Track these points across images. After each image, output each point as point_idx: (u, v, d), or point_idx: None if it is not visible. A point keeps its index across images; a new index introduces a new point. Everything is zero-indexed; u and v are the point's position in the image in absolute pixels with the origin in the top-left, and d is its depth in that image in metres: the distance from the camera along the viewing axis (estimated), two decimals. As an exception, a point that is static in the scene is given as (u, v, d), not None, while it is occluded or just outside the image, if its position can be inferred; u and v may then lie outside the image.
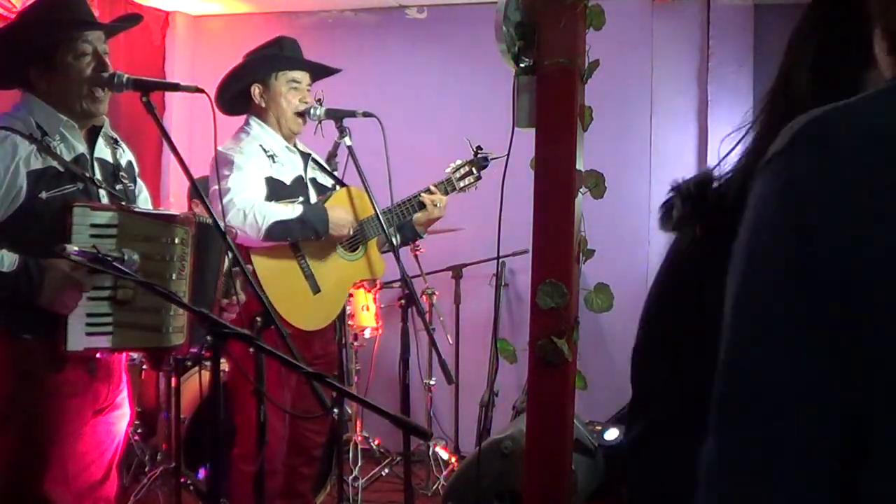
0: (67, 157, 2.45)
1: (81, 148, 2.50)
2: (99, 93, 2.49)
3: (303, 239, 3.27)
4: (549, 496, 2.45)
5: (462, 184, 3.60)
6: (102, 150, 2.58)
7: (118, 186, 2.58)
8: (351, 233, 3.37)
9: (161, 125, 2.46)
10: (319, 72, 3.52)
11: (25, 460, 2.41)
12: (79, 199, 2.41)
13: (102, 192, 2.51)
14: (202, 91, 2.45)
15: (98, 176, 2.51)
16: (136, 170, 2.74)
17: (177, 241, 2.46)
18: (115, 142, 2.67)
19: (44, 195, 2.38)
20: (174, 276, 2.45)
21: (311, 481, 3.67)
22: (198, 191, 2.50)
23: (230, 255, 2.54)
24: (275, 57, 3.42)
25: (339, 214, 3.33)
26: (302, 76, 3.42)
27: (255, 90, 3.39)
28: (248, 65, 3.43)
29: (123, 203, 2.54)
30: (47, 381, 2.41)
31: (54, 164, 2.42)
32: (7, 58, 2.49)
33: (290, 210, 3.24)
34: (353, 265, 3.47)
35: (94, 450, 2.56)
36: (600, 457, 4.13)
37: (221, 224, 2.42)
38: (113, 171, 2.59)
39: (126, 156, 2.69)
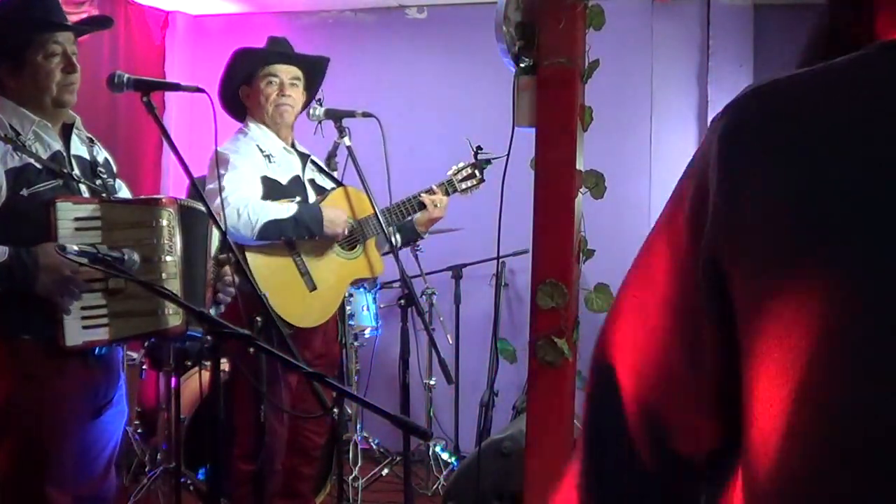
0: (43, 154, 2.45)
1: (57, 145, 2.51)
2: (68, 79, 2.48)
3: (297, 238, 3.26)
4: (549, 496, 2.45)
5: (463, 186, 3.59)
6: (79, 148, 2.58)
7: (98, 181, 2.58)
8: (346, 232, 3.37)
9: (161, 125, 2.46)
10: (305, 64, 3.45)
11: (26, 461, 2.40)
12: (60, 195, 2.40)
13: (83, 187, 2.51)
14: (202, 91, 2.45)
15: (77, 172, 2.51)
16: (114, 168, 2.74)
17: (163, 223, 2.47)
18: (91, 140, 2.67)
19: (25, 192, 2.37)
20: (165, 258, 2.45)
21: (311, 481, 3.67)
22: (198, 190, 2.50)
23: (219, 241, 2.53)
24: (253, 54, 3.40)
25: (334, 214, 3.32)
26: (284, 70, 3.37)
27: (243, 93, 3.39)
28: (231, 70, 3.41)
29: (104, 195, 2.54)
30: (46, 381, 2.40)
31: (32, 161, 2.41)
32: None
33: (285, 209, 3.23)
34: (351, 263, 3.46)
35: (93, 448, 2.56)
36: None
37: (220, 220, 2.42)
38: (91, 167, 2.59)
39: (102, 153, 2.70)
